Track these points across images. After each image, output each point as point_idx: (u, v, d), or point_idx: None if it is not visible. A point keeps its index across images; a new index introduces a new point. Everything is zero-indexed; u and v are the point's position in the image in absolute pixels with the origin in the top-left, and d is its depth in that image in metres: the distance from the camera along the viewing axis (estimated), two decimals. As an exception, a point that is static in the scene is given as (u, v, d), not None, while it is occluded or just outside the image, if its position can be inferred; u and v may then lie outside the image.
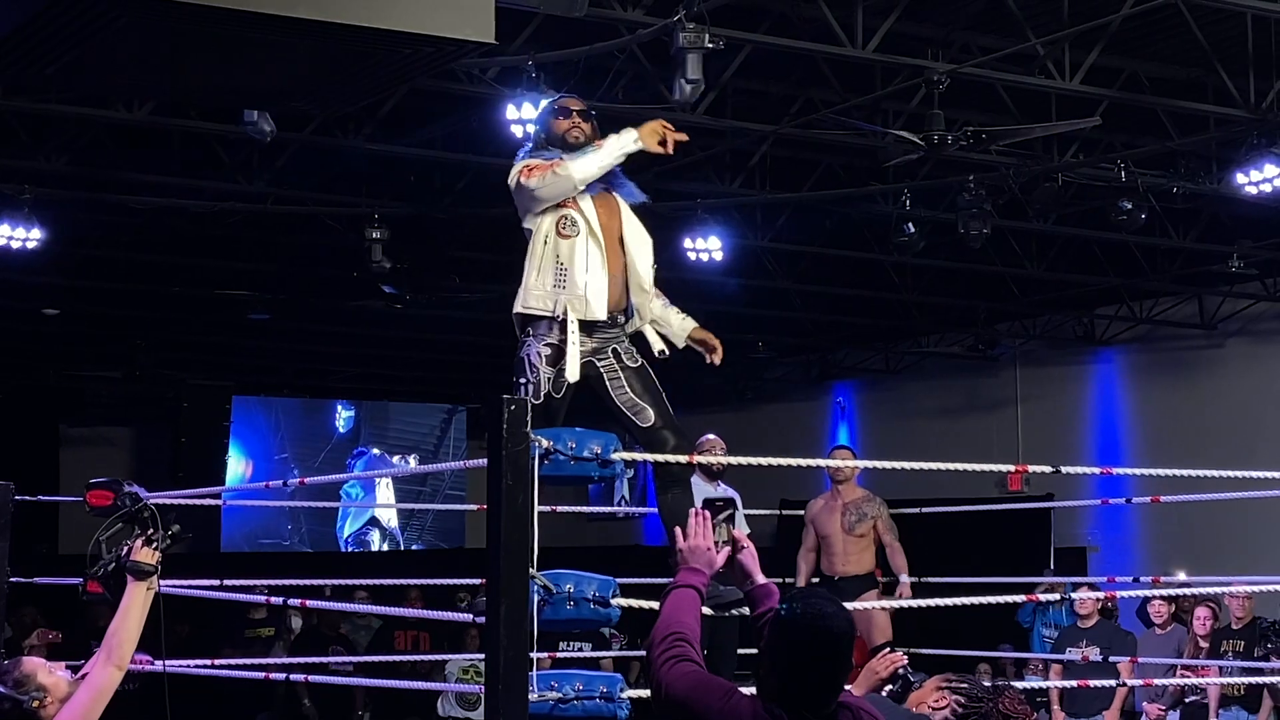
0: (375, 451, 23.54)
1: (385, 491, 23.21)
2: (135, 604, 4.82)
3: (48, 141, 12.28)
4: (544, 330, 6.06)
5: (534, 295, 6.08)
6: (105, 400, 22.36)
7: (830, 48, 10.51)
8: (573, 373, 5.98)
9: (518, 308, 6.11)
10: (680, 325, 6.36)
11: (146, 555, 4.89)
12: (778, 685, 3.88)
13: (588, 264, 6.06)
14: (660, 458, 6.00)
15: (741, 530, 9.36)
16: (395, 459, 23.57)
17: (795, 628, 3.86)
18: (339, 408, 23.92)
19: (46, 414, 21.99)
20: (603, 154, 6.11)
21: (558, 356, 6.05)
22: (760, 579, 4.42)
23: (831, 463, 10.35)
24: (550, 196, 6.07)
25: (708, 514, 4.38)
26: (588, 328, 6.06)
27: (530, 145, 6.39)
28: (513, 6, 8.55)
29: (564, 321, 6.01)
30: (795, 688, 3.85)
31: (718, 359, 6.36)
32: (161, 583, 4.98)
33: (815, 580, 10.33)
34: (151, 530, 4.96)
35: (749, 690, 4.04)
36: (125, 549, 4.93)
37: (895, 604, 9.52)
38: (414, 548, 24.08)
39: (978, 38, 11.21)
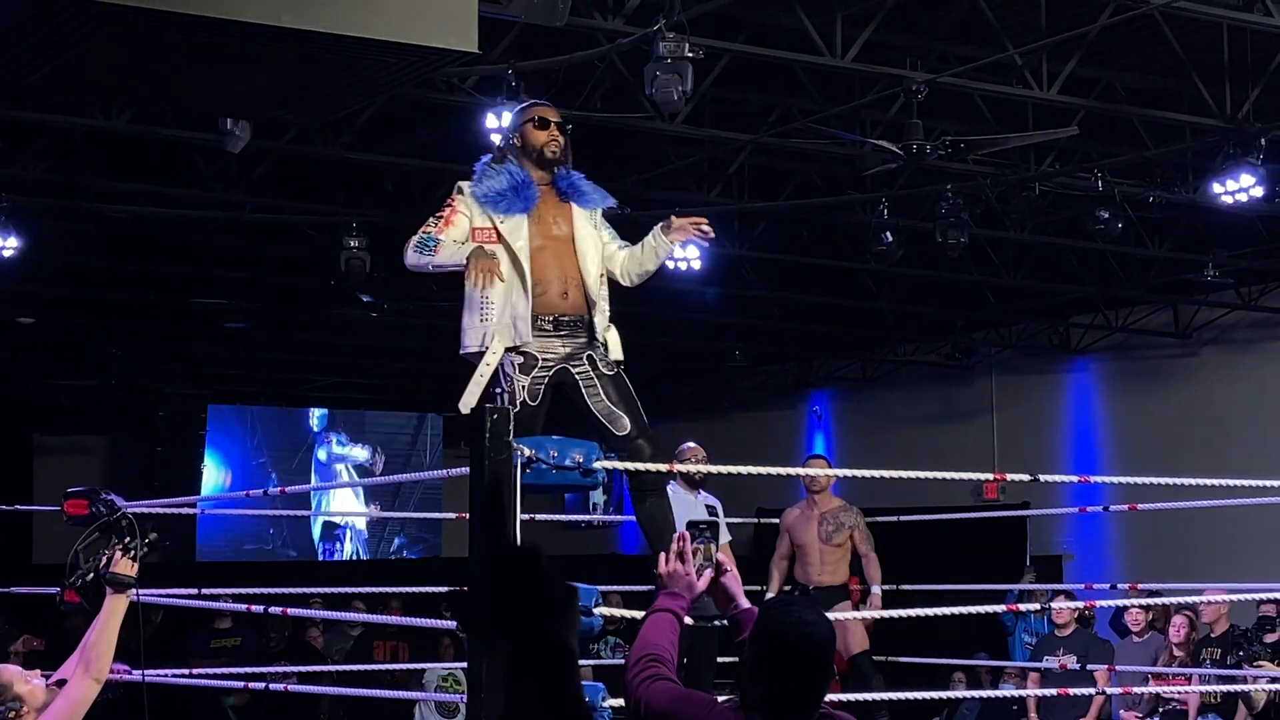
0: (333, 443, 23.51)
1: (348, 494, 23.26)
2: (114, 616, 4.79)
3: (24, 149, 12.25)
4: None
5: (468, 335, 6.12)
6: (80, 409, 22.30)
7: (809, 57, 10.54)
8: (469, 402, 5.96)
9: (461, 351, 6.15)
10: (658, 237, 6.30)
11: (125, 567, 4.86)
12: (760, 695, 3.88)
13: (512, 291, 6.06)
14: (640, 466, 6.00)
15: (724, 539, 9.42)
16: (360, 452, 23.53)
17: (777, 636, 3.86)
18: (312, 410, 23.90)
19: (21, 423, 21.92)
20: (450, 255, 6.11)
21: (530, 365, 6.06)
22: (744, 604, 4.37)
23: (807, 471, 10.36)
24: (410, 268, 6.18)
25: (689, 537, 4.34)
26: (546, 338, 6.08)
27: (491, 155, 6.37)
28: (493, 16, 8.55)
29: (515, 348, 6.04)
30: (777, 697, 3.85)
31: (706, 228, 6.31)
32: (138, 591, 4.95)
33: (789, 589, 10.33)
34: (129, 539, 4.93)
35: (730, 699, 4.05)
36: (104, 559, 4.89)
37: (873, 614, 9.53)
38: (390, 554, 24.06)
39: (956, 47, 11.24)
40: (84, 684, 4.69)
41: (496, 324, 6.05)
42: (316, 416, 23.87)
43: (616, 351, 6.21)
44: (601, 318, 6.18)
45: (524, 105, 6.54)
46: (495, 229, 6.12)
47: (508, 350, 6.06)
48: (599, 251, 6.24)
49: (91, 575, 4.91)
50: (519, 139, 6.29)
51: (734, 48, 10.49)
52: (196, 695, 12.82)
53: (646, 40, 9.46)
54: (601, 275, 6.23)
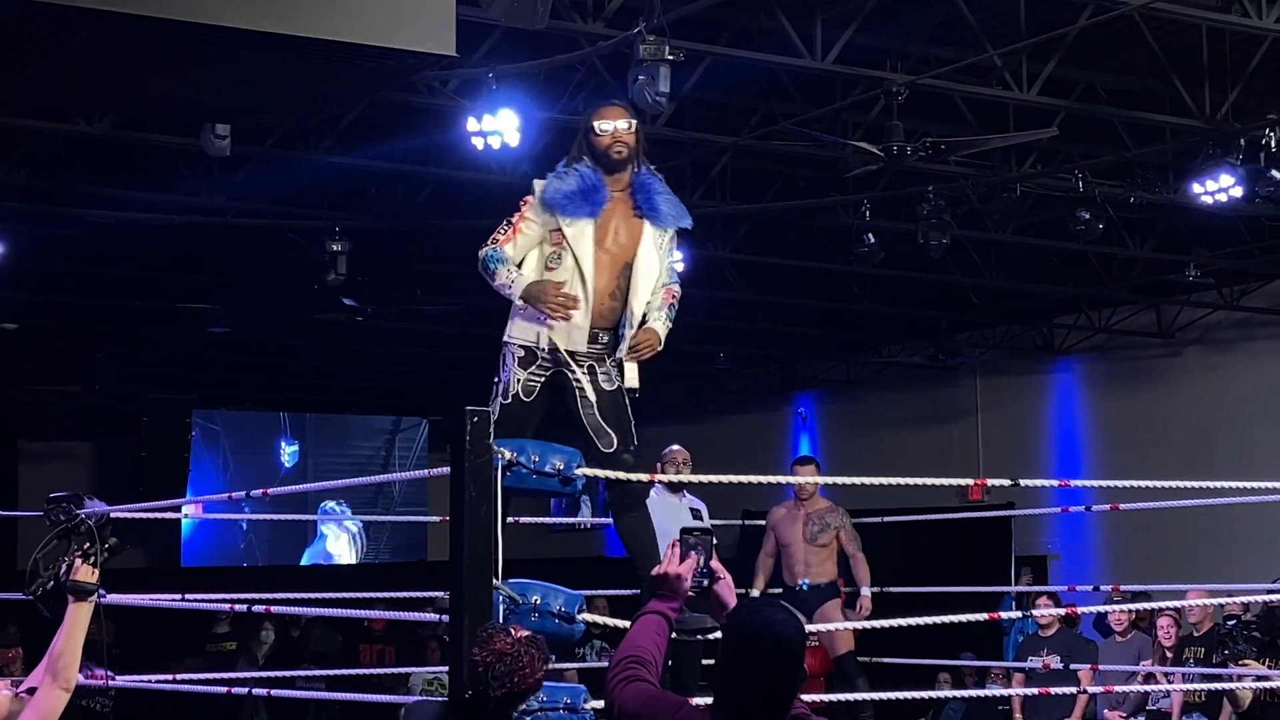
0: (332, 505, 23.55)
1: (339, 543, 23.31)
2: (78, 624, 4.74)
3: (7, 155, 12.23)
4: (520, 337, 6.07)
5: (518, 326, 6.05)
6: (65, 414, 22.26)
7: (790, 60, 10.56)
8: (508, 394, 5.98)
9: (506, 336, 6.09)
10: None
11: (86, 574, 4.80)
12: (731, 696, 3.89)
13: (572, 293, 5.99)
14: (621, 475, 5.96)
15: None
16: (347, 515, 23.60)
17: (745, 636, 3.87)
18: (282, 443, 23.87)
19: (6, 428, 21.88)
20: (509, 287, 6.03)
21: (530, 360, 6.04)
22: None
23: (793, 479, 10.38)
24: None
25: (679, 545, 4.36)
26: (570, 354, 6.03)
27: (569, 156, 6.22)
28: (474, 19, 8.56)
29: (552, 349, 6.00)
30: (747, 697, 3.85)
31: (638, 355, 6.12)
32: (123, 597, 4.94)
33: (777, 591, 10.35)
34: (88, 545, 4.89)
35: (704, 701, 4.07)
36: (64, 566, 4.85)
37: (860, 625, 9.53)
38: (377, 561, 24.08)
39: (936, 49, 11.27)
40: (53, 694, 4.65)
41: (555, 327, 5.99)
42: (287, 454, 23.84)
43: (632, 380, 6.11)
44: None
45: (594, 106, 6.41)
46: (561, 232, 6.03)
47: (513, 339, 6.06)
48: (654, 279, 6.15)
49: (52, 583, 4.87)
50: (585, 141, 6.17)
51: (715, 50, 10.50)
52: (232, 702, 12.82)
53: (627, 43, 9.47)
54: (649, 302, 6.14)
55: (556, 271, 6.00)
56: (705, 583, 4.32)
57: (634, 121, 6.17)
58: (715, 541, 4.44)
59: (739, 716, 3.84)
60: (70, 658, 4.68)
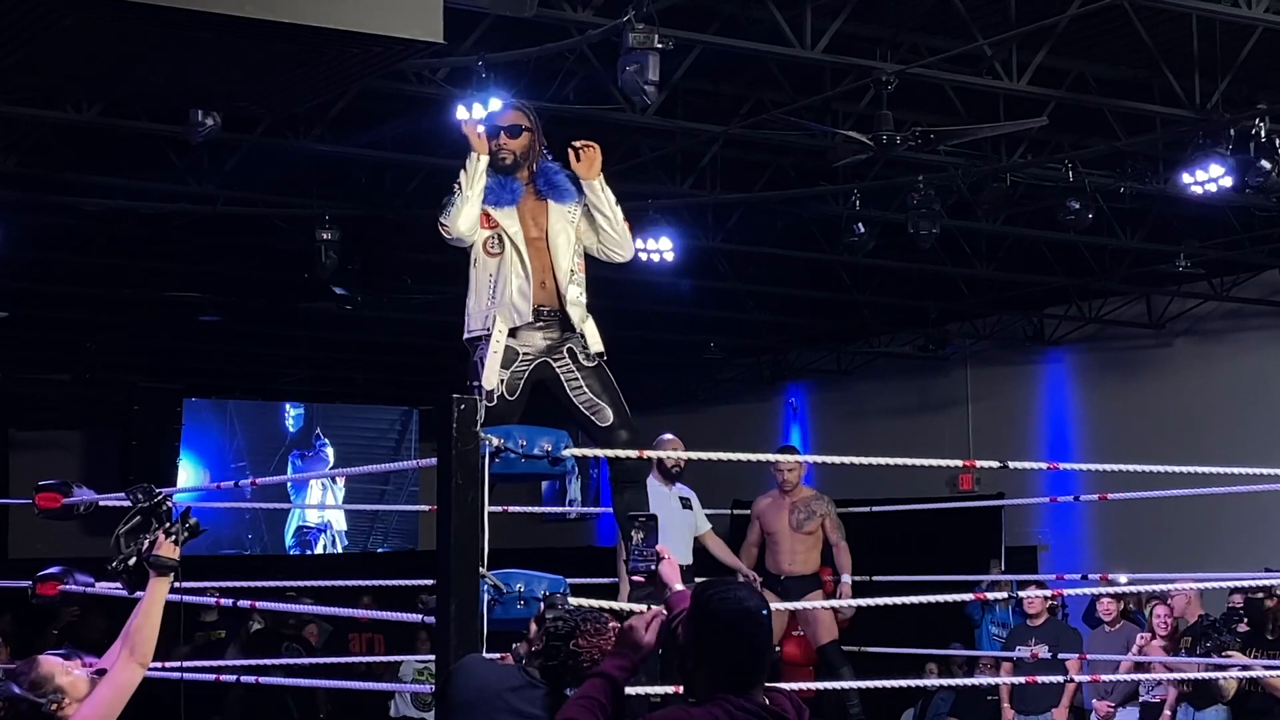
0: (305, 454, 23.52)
1: (317, 492, 23.15)
2: (157, 599, 4.82)
3: (-5, 143, 12.22)
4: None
5: (474, 318, 6.24)
6: (54, 404, 22.25)
7: (779, 48, 10.55)
8: (490, 380, 6.05)
9: (465, 335, 6.26)
10: (588, 189, 6.39)
11: (168, 550, 4.89)
12: (709, 676, 3.94)
13: (513, 274, 6.18)
14: (613, 453, 6.03)
15: (705, 527, 9.54)
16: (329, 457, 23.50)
17: (716, 614, 3.95)
18: (287, 406, 23.83)
19: (-5, 418, 21.90)
20: (465, 186, 6.24)
21: (510, 359, 6.09)
22: (677, 587, 4.60)
23: (777, 457, 10.39)
24: (457, 240, 6.28)
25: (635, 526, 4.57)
26: (524, 330, 6.16)
27: None
28: (462, 7, 8.55)
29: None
30: (727, 671, 3.93)
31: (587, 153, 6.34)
32: (111, 587, 4.96)
33: (759, 580, 10.35)
34: (170, 523, 4.96)
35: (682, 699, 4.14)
36: (145, 543, 4.92)
37: (844, 604, 9.57)
38: (379, 550, 24.06)
39: (926, 38, 11.27)
40: (130, 668, 4.70)
41: (498, 305, 6.15)
42: (292, 416, 23.81)
43: (596, 343, 6.27)
44: (575, 310, 6.24)
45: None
46: (489, 215, 6.27)
47: (485, 341, 6.13)
48: (570, 246, 6.31)
49: (134, 559, 4.94)
50: None
51: (704, 39, 10.49)
52: (222, 689, 12.79)
53: (616, 31, 9.47)
54: (572, 271, 6.28)
55: (499, 255, 6.22)
56: (653, 566, 4.65)
57: (520, 126, 6.37)
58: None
59: (717, 693, 3.90)
60: (149, 632, 4.75)
